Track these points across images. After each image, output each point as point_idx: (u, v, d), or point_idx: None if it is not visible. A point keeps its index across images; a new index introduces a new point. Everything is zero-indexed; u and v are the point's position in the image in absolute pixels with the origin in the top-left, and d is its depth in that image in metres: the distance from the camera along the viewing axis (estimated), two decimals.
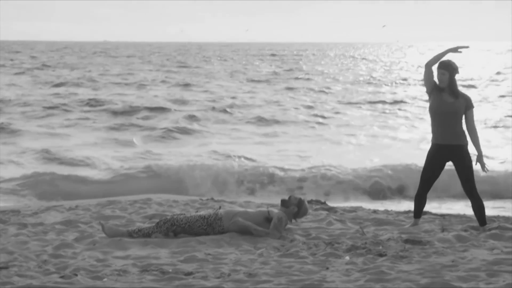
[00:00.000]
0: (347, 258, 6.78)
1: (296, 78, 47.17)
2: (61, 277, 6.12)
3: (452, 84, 7.91)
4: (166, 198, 11.05)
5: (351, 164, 14.90)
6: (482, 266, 6.34)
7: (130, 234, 7.78)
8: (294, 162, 15.97)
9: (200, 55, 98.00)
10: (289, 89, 38.51)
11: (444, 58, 7.98)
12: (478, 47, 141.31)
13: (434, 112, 7.95)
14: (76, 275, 6.18)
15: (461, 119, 7.95)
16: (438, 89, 7.97)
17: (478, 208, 8.03)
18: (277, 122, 24.27)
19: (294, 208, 8.03)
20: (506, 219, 8.79)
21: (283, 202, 8.08)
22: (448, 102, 7.89)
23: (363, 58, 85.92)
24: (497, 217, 8.99)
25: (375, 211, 9.58)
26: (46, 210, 9.68)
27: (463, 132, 7.95)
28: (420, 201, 8.18)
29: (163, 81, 43.20)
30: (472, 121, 8.01)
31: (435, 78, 7.94)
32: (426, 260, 6.63)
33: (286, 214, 7.99)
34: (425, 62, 8.06)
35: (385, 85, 42.22)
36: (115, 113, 26.65)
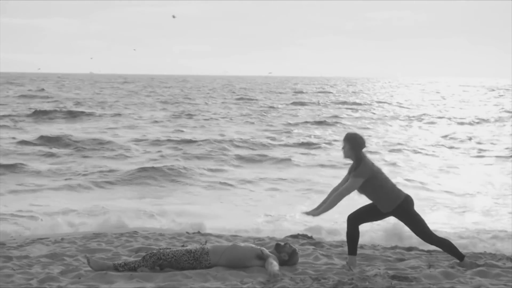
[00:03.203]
0: None
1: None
2: None
3: (354, 155, 7.87)
4: (152, 232, 11.00)
5: None
6: None
7: (116, 268, 7.73)
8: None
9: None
10: None
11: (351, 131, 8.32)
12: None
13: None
14: None
15: (370, 186, 7.75)
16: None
17: (448, 247, 8.00)
18: None
19: (285, 256, 8.02)
20: (493, 256, 8.80)
21: (278, 247, 8.06)
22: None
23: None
24: (484, 253, 9.00)
25: (361, 247, 9.56)
26: (32, 243, 9.61)
27: (383, 194, 7.76)
28: (355, 233, 7.97)
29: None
30: (345, 187, 7.77)
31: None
32: None
33: (276, 258, 7.98)
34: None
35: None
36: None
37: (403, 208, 7.80)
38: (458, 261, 8.16)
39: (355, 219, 7.95)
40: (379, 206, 7.83)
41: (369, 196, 7.85)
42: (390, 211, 7.82)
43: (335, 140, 29.51)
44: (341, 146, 8.03)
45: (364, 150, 7.88)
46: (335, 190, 8.07)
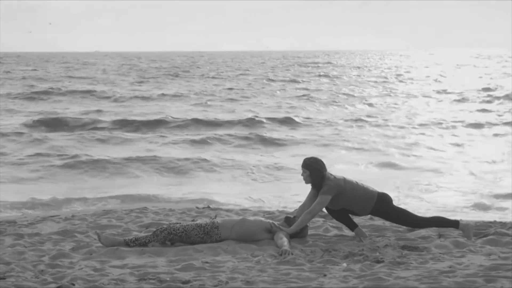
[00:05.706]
0: (345, 265, 6.78)
1: None
2: (59, 287, 6.11)
3: (314, 181, 7.91)
4: (162, 207, 11.03)
5: None
6: (480, 272, 6.35)
7: (127, 243, 7.77)
8: None
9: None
10: None
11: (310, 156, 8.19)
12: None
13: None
14: (74, 284, 6.18)
15: (341, 200, 7.84)
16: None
17: (440, 222, 7.99)
18: None
19: None
20: (503, 224, 8.79)
21: (287, 220, 8.08)
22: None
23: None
24: (494, 222, 8.98)
25: (371, 218, 9.56)
26: (42, 221, 9.65)
27: (356, 203, 7.87)
28: (341, 218, 8.13)
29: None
30: (315, 205, 7.80)
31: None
32: (424, 266, 6.64)
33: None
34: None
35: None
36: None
37: (379, 207, 7.90)
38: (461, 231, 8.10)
39: (334, 214, 8.11)
40: (357, 212, 7.97)
41: (344, 207, 7.93)
42: (368, 213, 7.98)
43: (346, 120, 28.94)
44: (300, 173, 8.05)
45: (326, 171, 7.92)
46: (303, 206, 8.12)
